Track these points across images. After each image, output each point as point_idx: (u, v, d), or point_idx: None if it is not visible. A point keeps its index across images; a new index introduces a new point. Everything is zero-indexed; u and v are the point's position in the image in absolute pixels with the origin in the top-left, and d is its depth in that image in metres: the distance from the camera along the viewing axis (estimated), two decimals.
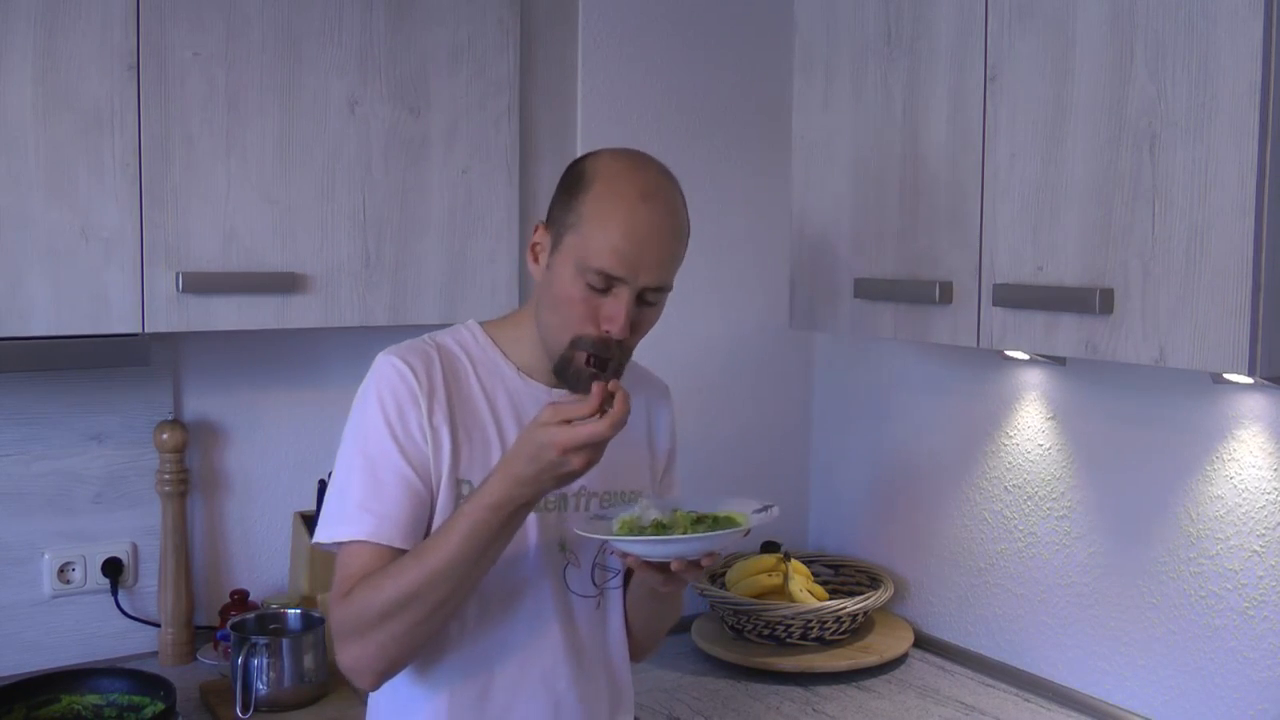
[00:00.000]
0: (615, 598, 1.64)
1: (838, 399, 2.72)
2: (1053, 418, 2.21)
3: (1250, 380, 1.83)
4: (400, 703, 1.53)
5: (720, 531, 1.40)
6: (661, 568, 1.42)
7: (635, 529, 1.43)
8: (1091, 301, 1.69)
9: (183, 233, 1.96)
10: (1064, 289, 1.74)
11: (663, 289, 1.47)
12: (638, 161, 1.50)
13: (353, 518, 1.43)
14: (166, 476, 2.23)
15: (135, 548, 2.26)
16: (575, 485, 1.53)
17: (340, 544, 1.45)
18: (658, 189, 1.47)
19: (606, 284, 1.43)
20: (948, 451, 2.42)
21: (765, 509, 1.48)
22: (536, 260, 1.52)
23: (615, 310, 1.43)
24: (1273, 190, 1.52)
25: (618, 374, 1.47)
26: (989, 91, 1.86)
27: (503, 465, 1.37)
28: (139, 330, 1.93)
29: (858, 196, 2.13)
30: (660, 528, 1.43)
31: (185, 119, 1.95)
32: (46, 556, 2.18)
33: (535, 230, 1.53)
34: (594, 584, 1.59)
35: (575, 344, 1.46)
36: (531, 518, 1.49)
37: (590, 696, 1.58)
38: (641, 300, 1.45)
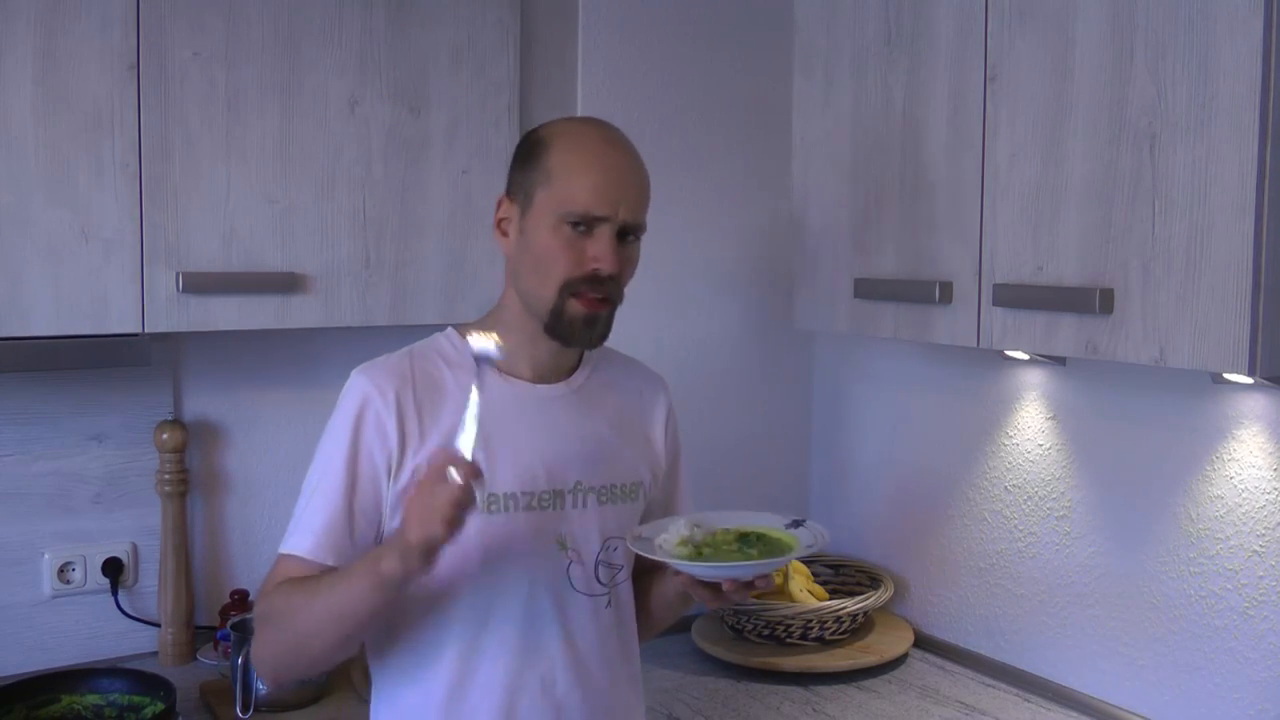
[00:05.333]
0: (629, 593, 1.63)
1: (837, 399, 2.72)
2: (1053, 418, 2.21)
3: (1250, 380, 1.83)
4: (401, 703, 1.53)
5: (780, 557, 1.48)
6: (713, 586, 1.47)
7: (688, 547, 1.49)
8: (1091, 301, 1.69)
9: (183, 233, 1.96)
10: (1064, 289, 1.74)
11: (639, 228, 1.51)
12: (591, 119, 1.58)
13: (297, 531, 1.49)
14: (166, 476, 2.23)
15: (135, 548, 2.26)
16: (570, 480, 1.53)
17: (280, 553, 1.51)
18: (618, 136, 1.53)
19: (589, 225, 1.46)
20: (948, 451, 2.42)
21: (796, 523, 1.55)
22: (506, 234, 1.53)
23: (602, 248, 1.46)
24: (1273, 190, 1.52)
25: (610, 318, 1.51)
26: (989, 91, 1.86)
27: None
28: (139, 330, 1.93)
29: (858, 196, 2.13)
30: (707, 547, 1.50)
31: (185, 119, 1.95)
32: (46, 556, 2.18)
33: (498, 206, 1.54)
34: (600, 582, 1.57)
35: (565, 289, 1.47)
36: (522, 516, 1.50)
37: (596, 699, 1.55)
38: (620, 239, 1.48)
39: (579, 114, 2.42)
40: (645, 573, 1.66)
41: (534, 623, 1.51)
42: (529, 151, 1.52)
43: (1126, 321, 1.67)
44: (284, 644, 1.47)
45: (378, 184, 2.12)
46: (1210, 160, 1.56)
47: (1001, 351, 2.10)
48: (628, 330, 2.50)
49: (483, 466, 1.39)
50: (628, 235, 1.49)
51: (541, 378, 1.56)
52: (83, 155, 1.87)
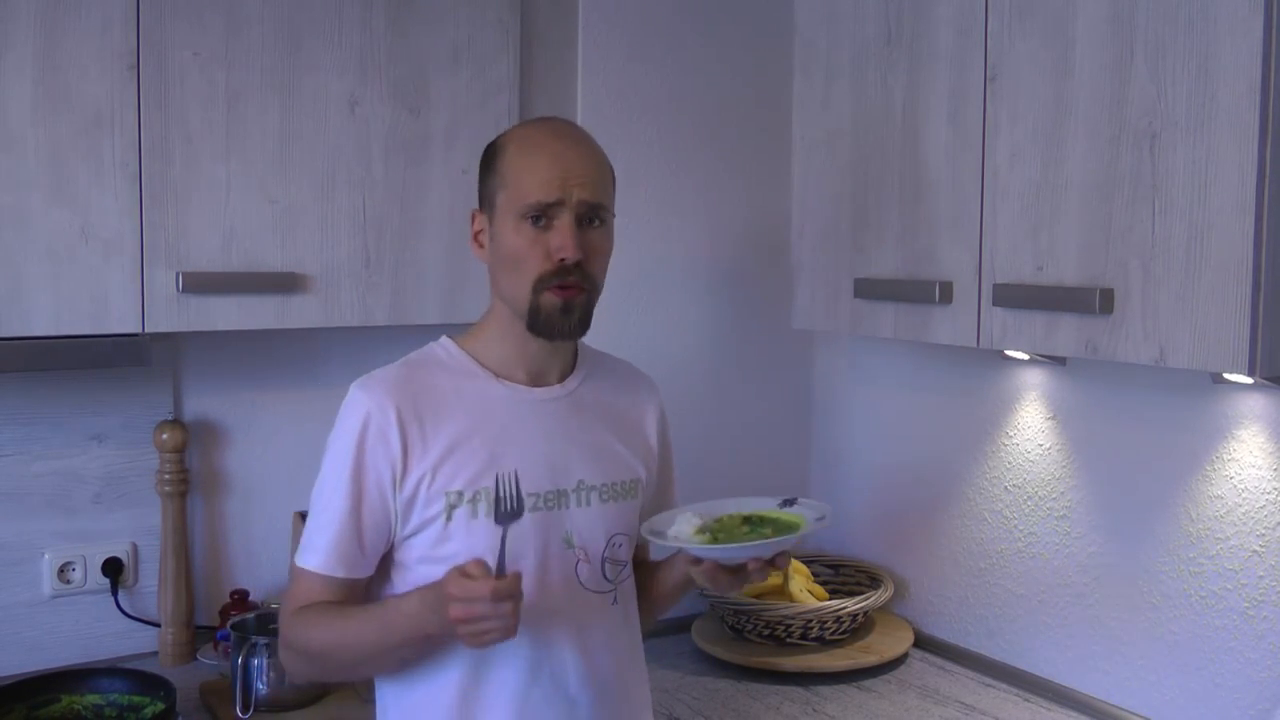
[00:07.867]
0: (632, 589, 1.64)
1: (837, 399, 2.72)
2: (1053, 418, 2.21)
3: (1250, 380, 1.83)
4: (408, 702, 1.54)
5: (798, 533, 1.50)
6: (735, 569, 1.50)
7: (705, 534, 1.52)
8: (1091, 301, 1.69)
9: (183, 233, 1.96)
10: (1064, 289, 1.74)
11: (599, 208, 1.51)
12: (544, 118, 1.63)
13: (308, 547, 1.53)
14: (166, 476, 2.23)
15: (135, 548, 2.26)
16: (573, 479, 1.55)
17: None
18: (567, 127, 1.57)
19: (545, 216, 1.48)
20: (948, 451, 2.42)
21: (787, 502, 1.60)
22: (482, 245, 1.59)
23: (561, 237, 1.48)
24: (1273, 190, 1.52)
25: (588, 306, 1.52)
26: (989, 91, 1.86)
27: (426, 588, 1.42)
28: (139, 330, 1.93)
29: (858, 196, 2.13)
30: (720, 533, 1.53)
31: (185, 119, 1.95)
32: (46, 556, 2.18)
33: (473, 219, 1.60)
34: (607, 579, 1.58)
35: (538, 286, 1.50)
36: (528, 517, 1.51)
37: (607, 695, 1.57)
38: (584, 224, 1.50)
39: (579, 115, 2.42)
40: (640, 565, 1.69)
41: (545, 621, 1.52)
42: (488, 161, 1.58)
43: (1126, 321, 1.67)
44: (332, 670, 1.59)
45: (378, 184, 2.12)
46: (1210, 160, 1.56)
47: (1001, 351, 2.11)
48: (628, 329, 2.50)
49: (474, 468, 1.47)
50: (592, 220, 1.51)
51: (537, 381, 1.59)
52: (83, 155, 1.87)
